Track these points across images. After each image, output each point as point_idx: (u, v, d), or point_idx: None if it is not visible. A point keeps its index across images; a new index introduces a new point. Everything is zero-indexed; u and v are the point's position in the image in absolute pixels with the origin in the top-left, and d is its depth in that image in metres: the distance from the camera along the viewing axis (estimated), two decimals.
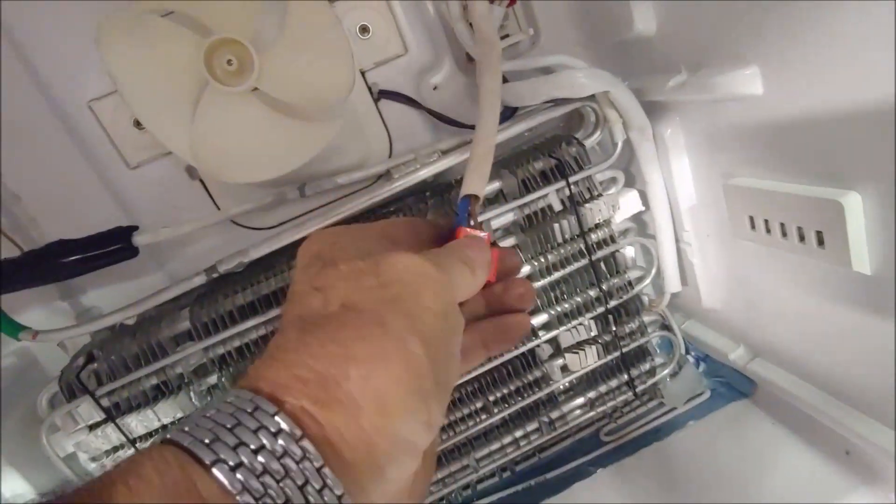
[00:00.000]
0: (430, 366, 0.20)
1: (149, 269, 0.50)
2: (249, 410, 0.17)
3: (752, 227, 0.43)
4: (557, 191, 0.49)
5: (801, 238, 0.39)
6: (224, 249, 0.49)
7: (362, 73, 0.50)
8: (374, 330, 0.20)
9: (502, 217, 0.49)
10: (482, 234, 0.29)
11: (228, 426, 0.17)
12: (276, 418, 0.17)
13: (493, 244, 0.29)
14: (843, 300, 0.40)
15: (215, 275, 0.43)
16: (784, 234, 0.40)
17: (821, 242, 0.37)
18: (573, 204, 0.49)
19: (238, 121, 0.39)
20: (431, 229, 0.30)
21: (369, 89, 0.50)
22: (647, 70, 0.50)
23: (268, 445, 0.17)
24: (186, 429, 0.17)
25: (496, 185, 0.50)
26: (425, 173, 0.47)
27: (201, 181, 0.49)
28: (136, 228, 0.43)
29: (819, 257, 0.38)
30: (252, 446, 0.17)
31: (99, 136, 0.47)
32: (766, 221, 0.41)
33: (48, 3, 0.43)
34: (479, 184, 0.32)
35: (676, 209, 0.53)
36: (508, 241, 0.50)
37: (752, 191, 0.42)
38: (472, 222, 0.29)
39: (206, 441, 0.17)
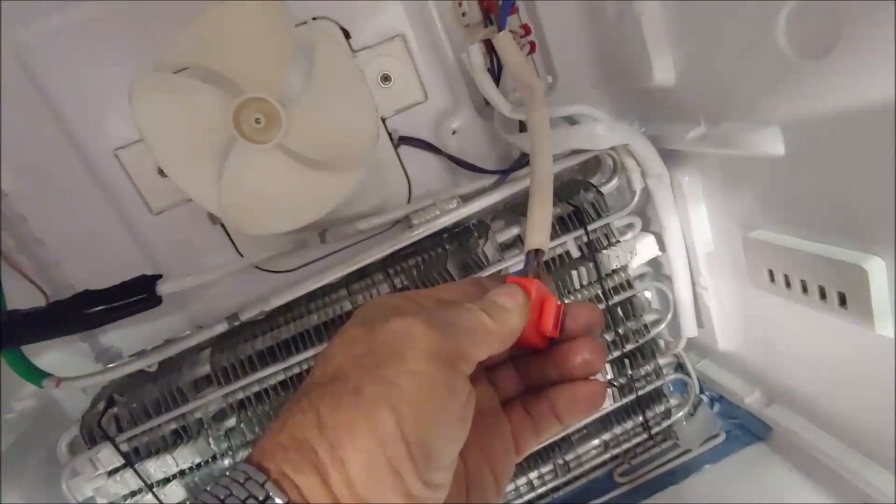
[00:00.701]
0: (402, 435, 0.19)
1: (171, 311, 0.50)
2: (241, 481, 0.18)
3: (772, 280, 0.43)
4: (575, 238, 0.49)
5: (823, 296, 0.39)
6: (245, 292, 0.50)
7: (383, 120, 0.50)
8: (348, 399, 0.20)
9: (520, 264, 0.49)
10: (527, 279, 0.26)
11: (221, 497, 0.18)
12: (265, 486, 0.18)
13: (561, 302, 0.27)
14: (864, 359, 0.40)
15: (237, 323, 0.43)
16: (805, 291, 0.40)
17: (843, 303, 0.37)
18: (591, 251, 0.50)
19: (265, 175, 0.40)
20: (494, 285, 0.27)
21: (389, 136, 0.50)
22: (665, 117, 0.50)
23: None
24: None
25: (514, 231, 0.50)
26: (444, 221, 0.47)
27: (223, 226, 0.49)
28: (159, 277, 0.44)
29: (841, 317, 0.38)
30: None
31: (123, 182, 0.47)
32: (787, 276, 0.42)
33: (76, 53, 0.44)
34: (540, 236, 0.31)
35: (693, 254, 0.53)
36: None
37: (771, 246, 0.42)
38: (530, 275, 0.28)
39: None
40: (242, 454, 0.47)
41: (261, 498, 0.18)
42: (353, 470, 0.19)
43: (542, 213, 0.33)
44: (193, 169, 0.40)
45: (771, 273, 0.43)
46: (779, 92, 0.37)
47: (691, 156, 0.49)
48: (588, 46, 0.53)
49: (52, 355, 0.50)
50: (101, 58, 0.44)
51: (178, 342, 0.44)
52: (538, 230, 0.31)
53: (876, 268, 0.34)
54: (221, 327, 0.44)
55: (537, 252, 0.29)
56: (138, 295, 0.42)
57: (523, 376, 0.28)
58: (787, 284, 0.42)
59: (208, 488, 0.19)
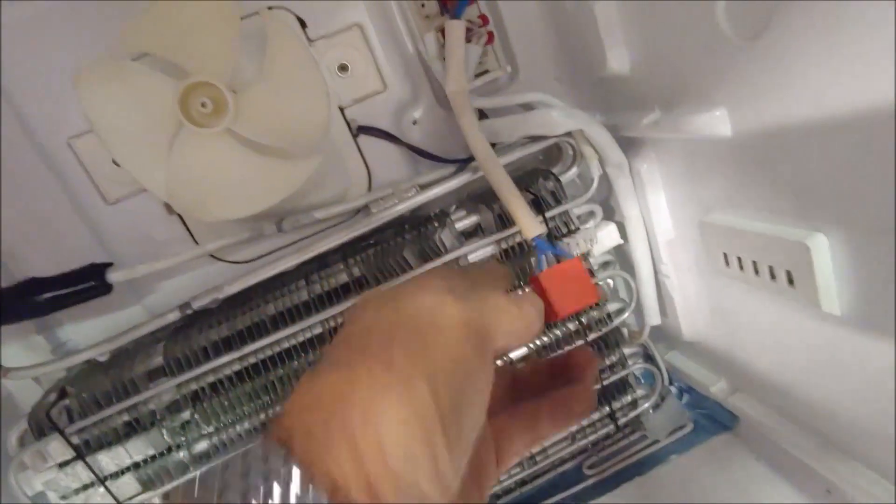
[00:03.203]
0: (438, 412, 0.18)
1: (126, 302, 0.50)
2: (261, 456, 0.17)
3: (727, 263, 0.43)
4: None
5: (773, 276, 0.39)
6: (202, 283, 0.49)
7: (341, 110, 0.50)
8: (382, 370, 0.19)
9: (480, 251, 0.49)
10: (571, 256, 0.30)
11: (239, 473, 0.17)
12: (287, 464, 0.17)
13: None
14: (815, 339, 0.40)
15: (189, 311, 0.43)
16: (756, 272, 0.40)
17: (791, 282, 0.37)
18: (550, 238, 0.49)
19: (213, 160, 0.40)
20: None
21: (348, 125, 0.50)
22: (623, 106, 0.50)
23: (277, 491, 0.16)
24: (199, 480, 0.17)
25: (474, 218, 0.50)
26: (402, 208, 0.47)
27: (179, 216, 0.49)
28: (110, 265, 0.43)
29: (790, 296, 0.38)
30: (262, 490, 0.16)
31: (78, 172, 0.47)
32: (740, 259, 0.42)
33: (30, 42, 0.44)
34: (531, 222, 0.37)
35: (655, 243, 0.53)
36: None
37: (725, 228, 0.43)
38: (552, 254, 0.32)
39: (217, 488, 0.17)
40: (198, 447, 0.46)
41: (282, 475, 0.17)
42: (388, 442, 0.18)
43: (517, 204, 0.35)
44: (143, 155, 0.40)
45: (726, 256, 0.43)
46: (723, 74, 0.37)
47: (649, 143, 0.49)
48: (548, 37, 0.54)
49: (8, 349, 0.49)
50: (57, 46, 0.44)
51: (130, 331, 0.44)
52: (525, 216, 0.33)
53: (819, 244, 0.34)
54: (173, 315, 0.43)
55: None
56: (87, 282, 0.41)
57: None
58: (741, 267, 0.42)
59: (224, 462, 0.18)
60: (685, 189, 0.48)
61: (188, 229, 0.49)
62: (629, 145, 0.50)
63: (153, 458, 0.45)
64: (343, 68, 0.50)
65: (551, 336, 0.52)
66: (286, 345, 0.46)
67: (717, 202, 0.44)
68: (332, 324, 0.46)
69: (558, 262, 0.36)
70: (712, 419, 0.58)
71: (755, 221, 0.40)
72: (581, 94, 0.55)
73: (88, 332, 0.50)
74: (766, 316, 0.44)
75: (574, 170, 0.52)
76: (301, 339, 0.46)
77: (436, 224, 0.50)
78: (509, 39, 0.53)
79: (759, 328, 0.46)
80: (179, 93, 0.37)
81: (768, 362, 0.47)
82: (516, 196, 0.39)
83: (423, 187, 0.50)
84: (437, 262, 0.47)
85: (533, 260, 0.48)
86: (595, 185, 0.50)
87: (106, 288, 0.42)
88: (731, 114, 0.38)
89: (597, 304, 0.45)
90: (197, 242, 0.50)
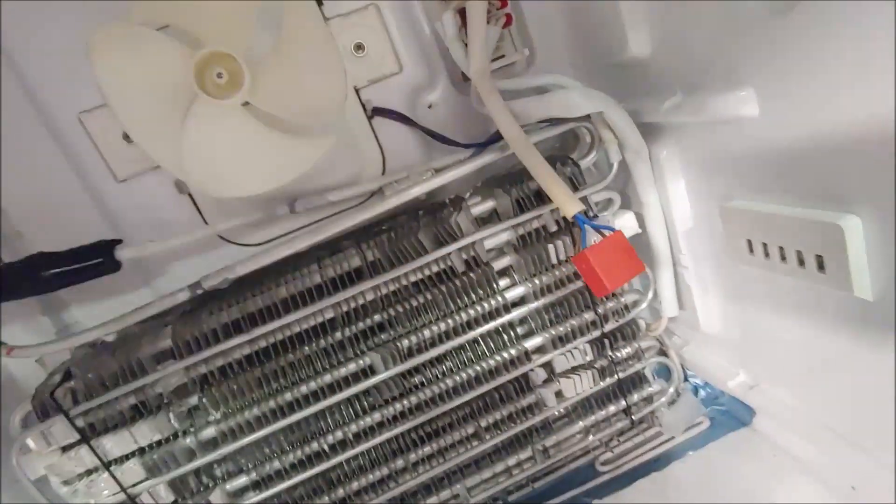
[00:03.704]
0: None
1: (134, 284, 0.49)
2: None
3: (751, 250, 0.42)
4: (552, 211, 0.48)
5: (801, 262, 0.38)
6: (211, 265, 0.48)
7: (356, 91, 0.50)
8: None
9: (496, 237, 0.48)
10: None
11: None
12: None
13: None
14: (844, 327, 0.38)
15: (199, 291, 0.42)
16: (783, 258, 0.39)
17: (821, 267, 0.36)
18: (568, 224, 0.48)
19: (228, 135, 0.39)
20: None
21: (363, 106, 0.50)
22: (642, 91, 0.49)
23: None
24: None
25: (490, 204, 0.49)
26: (417, 191, 0.46)
27: (190, 195, 0.48)
28: (119, 242, 0.42)
29: (819, 282, 0.37)
30: None
31: (88, 148, 0.46)
32: (765, 245, 0.40)
33: (41, 13, 0.43)
34: (571, 199, 0.38)
35: (673, 232, 0.52)
36: (503, 261, 0.49)
37: (749, 213, 0.41)
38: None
39: None
40: (205, 433, 0.45)
41: None
42: None
43: (554, 182, 0.36)
44: (156, 127, 0.39)
45: (749, 243, 0.42)
46: (750, 52, 0.36)
47: (669, 129, 0.48)
48: (565, 22, 0.53)
49: (11, 329, 0.48)
50: (68, 17, 0.43)
51: (138, 311, 0.43)
52: (562, 194, 0.37)
53: (852, 226, 0.33)
54: (183, 295, 0.42)
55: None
56: (96, 259, 0.40)
57: None
58: (766, 253, 0.41)
59: None
60: (706, 175, 0.47)
61: (198, 209, 0.48)
62: (648, 131, 0.49)
63: (159, 443, 0.44)
64: (359, 48, 0.49)
65: (566, 327, 0.51)
66: (297, 329, 0.45)
67: (740, 187, 0.43)
68: (345, 308, 0.45)
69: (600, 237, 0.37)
70: (729, 414, 0.57)
71: (782, 205, 0.39)
72: (598, 80, 0.54)
73: (94, 313, 0.49)
74: (792, 304, 0.42)
75: (592, 156, 0.51)
76: (313, 322, 0.45)
77: (451, 209, 0.49)
78: (526, 23, 0.52)
79: (782, 317, 0.45)
80: (195, 62, 0.36)
81: (791, 353, 0.46)
82: (552, 174, 0.39)
83: (439, 171, 0.49)
84: (453, 246, 0.46)
85: (566, 239, 0.48)
86: (615, 170, 0.49)
87: (114, 265, 0.41)
88: (759, 92, 0.37)
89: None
90: (206, 219, 0.49)
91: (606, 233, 0.39)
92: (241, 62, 0.37)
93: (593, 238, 0.42)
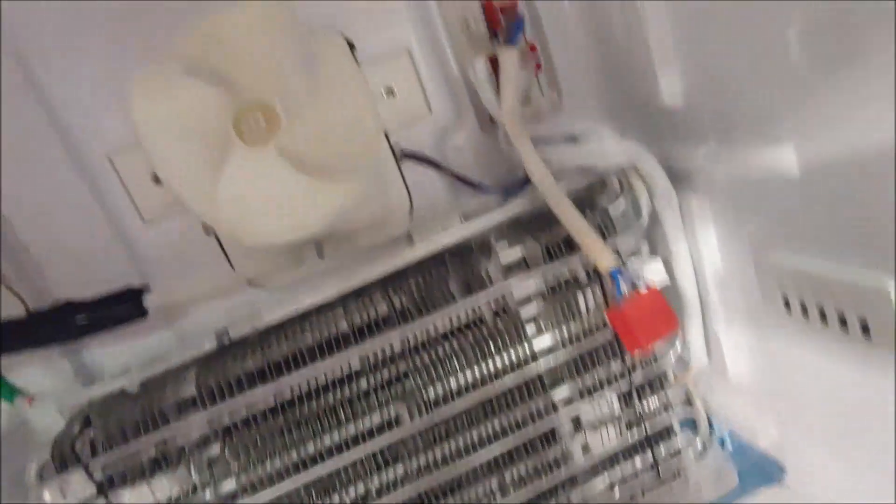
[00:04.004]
0: None
1: (157, 328, 0.48)
2: None
3: (788, 308, 0.41)
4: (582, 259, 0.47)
5: (843, 324, 0.36)
6: (235, 308, 0.47)
7: (385, 134, 0.49)
8: None
9: (525, 285, 0.47)
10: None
11: None
12: None
13: None
14: (888, 396, 0.37)
15: (227, 341, 0.41)
16: (824, 319, 0.38)
17: (865, 331, 0.35)
18: (598, 273, 0.48)
19: (262, 181, 0.38)
20: None
21: (392, 150, 0.49)
22: (673, 137, 0.49)
23: None
24: None
25: (519, 251, 0.48)
26: (446, 241, 0.45)
27: (217, 238, 0.48)
28: (146, 288, 0.41)
29: (863, 348, 0.36)
30: None
31: (116, 187, 0.46)
32: (803, 303, 0.39)
33: (77, 52, 0.43)
34: (606, 253, 0.39)
35: (703, 281, 0.51)
36: (530, 308, 0.48)
37: (787, 269, 0.41)
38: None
39: None
40: (225, 486, 0.44)
41: None
42: None
43: (588, 235, 0.38)
44: (189, 171, 0.38)
45: (786, 299, 0.41)
46: (792, 109, 0.36)
47: (699, 176, 0.48)
48: (594, 66, 0.53)
49: (29, 372, 0.47)
50: (103, 57, 0.43)
51: (162, 360, 0.42)
52: (597, 249, 0.38)
53: None
54: (209, 343, 0.41)
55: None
56: (123, 306, 0.39)
57: None
58: (804, 312, 0.40)
59: None
60: (738, 225, 0.46)
61: (224, 251, 0.48)
62: (678, 177, 0.48)
63: (177, 500, 0.43)
64: (389, 92, 0.49)
65: (594, 376, 0.49)
66: (322, 379, 0.44)
67: (776, 240, 0.42)
68: (372, 359, 0.44)
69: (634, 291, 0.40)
70: (759, 470, 0.55)
71: (823, 262, 0.38)
72: (628, 124, 0.53)
73: (116, 357, 0.48)
74: (830, 367, 0.41)
75: (621, 202, 0.50)
76: (338, 372, 0.44)
77: (478, 254, 0.49)
78: (555, 68, 0.52)
79: (819, 379, 0.43)
80: (234, 111, 0.36)
81: (827, 416, 0.45)
82: (585, 226, 0.39)
83: (467, 216, 0.49)
84: (483, 296, 0.46)
85: (596, 289, 0.47)
86: (645, 219, 0.48)
87: (142, 312, 0.40)
88: (799, 148, 0.36)
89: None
90: (232, 264, 0.48)
91: (641, 287, 0.39)
92: (279, 110, 0.37)
93: (626, 288, 0.42)
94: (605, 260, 0.40)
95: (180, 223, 0.47)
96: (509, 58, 0.43)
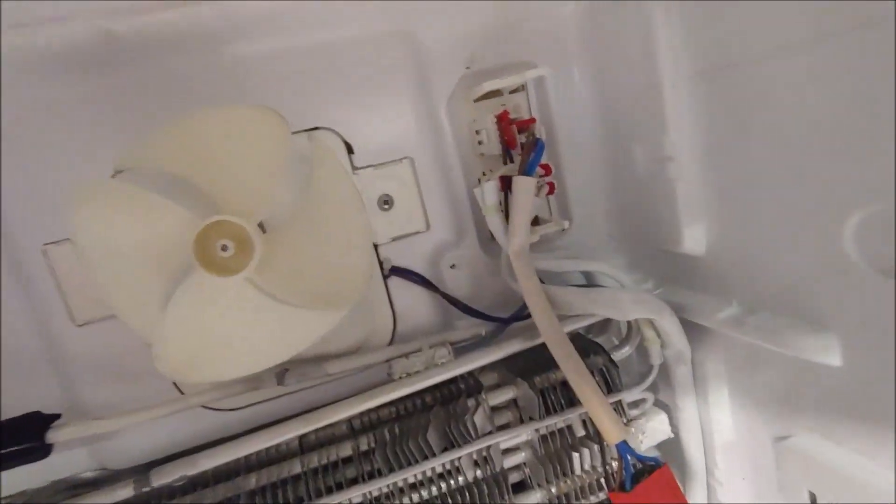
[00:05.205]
0: None
1: (70, 444, 0.40)
2: None
3: None
4: (580, 414, 0.42)
5: None
6: (175, 429, 0.40)
7: (375, 247, 0.44)
8: None
9: (515, 439, 0.41)
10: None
11: None
12: None
13: None
14: None
15: (146, 489, 0.33)
16: None
17: None
18: (598, 431, 0.42)
19: (223, 312, 0.32)
20: None
21: (381, 265, 0.44)
22: (689, 286, 0.45)
23: None
24: None
25: (510, 394, 0.43)
26: (429, 382, 0.39)
27: None
28: (57, 417, 0.34)
29: None
30: None
31: (47, 283, 0.39)
32: None
33: (30, 131, 0.37)
34: (616, 425, 0.35)
35: (710, 442, 0.46)
36: (517, 458, 0.42)
37: (816, 463, 0.36)
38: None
39: None
40: None
41: None
42: None
43: (598, 403, 0.34)
44: (137, 295, 0.32)
45: (813, 497, 0.36)
46: (840, 299, 0.32)
47: (716, 334, 0.43)
48: (609, 196, 0.49)
49: None
50: (60, 140, 0.37)
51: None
52: (608, 422, 0.34)
53: None
54: (125, 492, 0.34)
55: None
56: (22, 443, 0.32)
57: None
58: None
59: None
60: (755, 394, 0.42)
61: None
62: (690, 329, 0.44)
63: None
64: (386, 202, 0.44)
65: None
66: None
67: (800, 422, 0.37)
68: None
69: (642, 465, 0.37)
70: None
71: (858, 456, 0.33)
72: (641, 259, 0.49)
73: (14, 475, 0.40)
74: None
75: (627, 349, 0.45)
76: None
77: (462, 388, 0.42)
78: (567, 192, 0.48)
79: None
80: (197, 232, 0.30)
81: None
82: (596, 392, 0.34)
83: (455, 345, 0.43)
84: (465, 449, 0.39)
85: (593, 447, 0.41)
86: (654, 373, 0.43)
87: (43, 451, 0.33)
88: (844, 342, 0.32)
89: None
90: (180, 388, 0.41)
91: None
92: (252, 234, 0.31)
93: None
94: (613, 433, 0.35)
95: (118, 328, 0.40)
96: (525, 189, 0.38)
